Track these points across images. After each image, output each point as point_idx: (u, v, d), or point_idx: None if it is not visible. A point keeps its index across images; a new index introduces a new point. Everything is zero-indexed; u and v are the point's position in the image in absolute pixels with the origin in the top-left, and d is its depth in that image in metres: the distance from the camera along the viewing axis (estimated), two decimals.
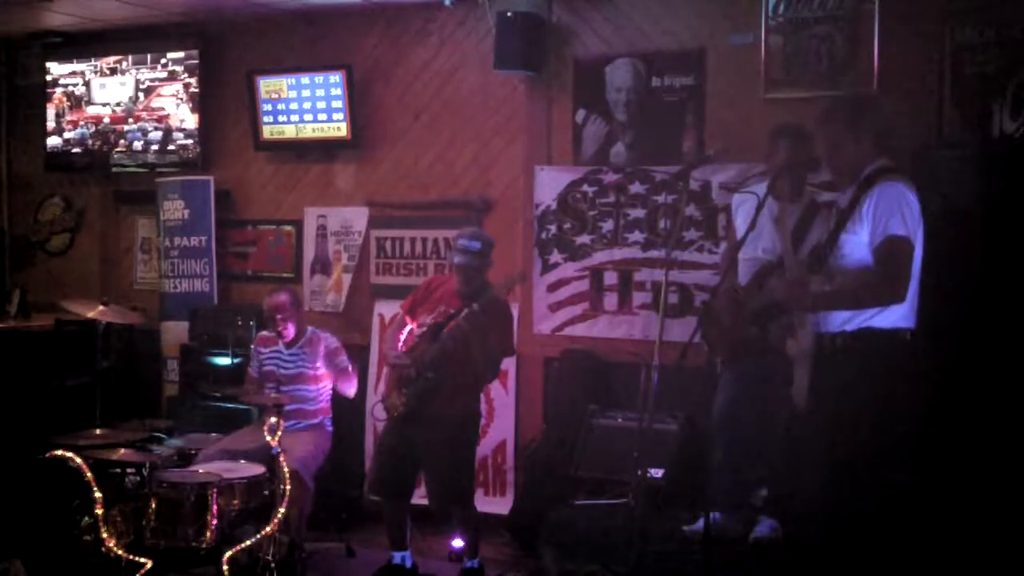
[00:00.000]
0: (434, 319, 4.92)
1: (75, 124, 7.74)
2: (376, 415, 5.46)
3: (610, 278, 5.96)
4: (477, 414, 5.07)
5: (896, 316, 3.50)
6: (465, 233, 5.03)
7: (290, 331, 5.50)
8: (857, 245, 3.52)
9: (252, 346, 5.77)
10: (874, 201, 3.48)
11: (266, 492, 4.78)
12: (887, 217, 3.46)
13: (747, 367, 4.53)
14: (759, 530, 4.59)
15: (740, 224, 4.71)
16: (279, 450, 4.65)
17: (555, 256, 6.10)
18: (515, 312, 5.78)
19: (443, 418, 4.84)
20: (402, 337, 5.09)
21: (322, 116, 6.69)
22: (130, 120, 7.49)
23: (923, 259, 3.59)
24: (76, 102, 7.72)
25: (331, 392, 5.62)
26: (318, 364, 5.52)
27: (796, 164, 4.39)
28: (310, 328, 5.65)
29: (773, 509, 4.64)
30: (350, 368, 5.64)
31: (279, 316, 5.49)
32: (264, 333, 5.71)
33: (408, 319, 5.12)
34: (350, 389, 5.61)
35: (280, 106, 6.82)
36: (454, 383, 4.83)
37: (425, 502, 5.17)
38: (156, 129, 7.38)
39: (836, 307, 3.55)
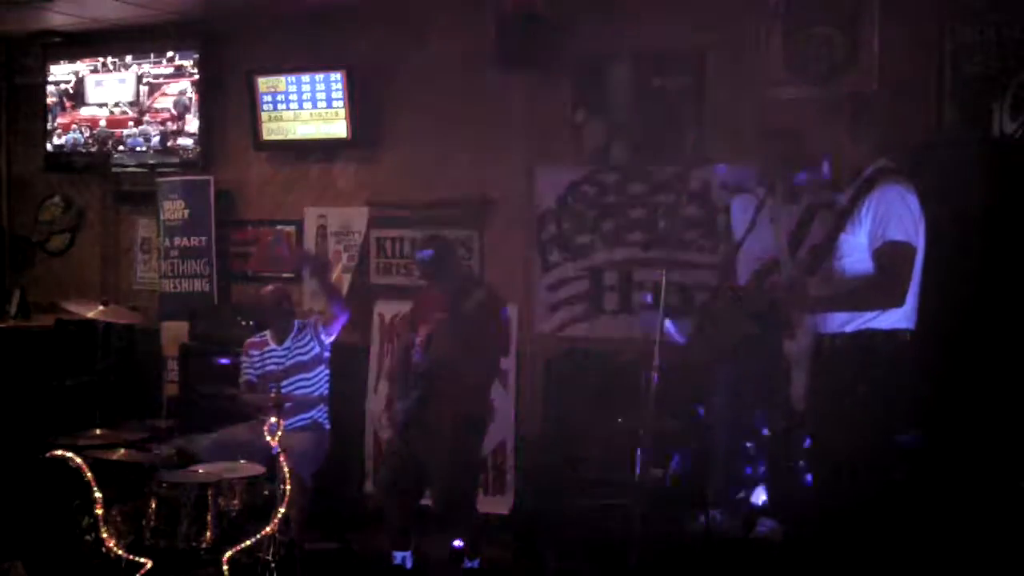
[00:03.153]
0: (430, 328, 4.93)
1: (74, 124, 7.73)
2: (383, 425, 5.46)
3: (610, 278, 5.95)
4: (480, 417, 5.06)
5: (895, 317, 3.49)
6: (417, 244, 5.06)
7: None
8: (856, 247, 3.51)
9: (242, 357, 5.72)
10: (873, 203, 3.47)
11: (266, 492, 4.78)
12: (886, 220, 3.45)
13: (745, 367, 4.54)
14: (759, 530, 4.59)
15: (740, 224, 4.72)
16: (279, 450, 4.65)
17: (555, 256, 6.09)
18: (514, 313, 5.79)
19: (445, 423, 4.84)
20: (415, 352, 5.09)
21: (322, 116, 6.70)
22: (131, 122, 7.49)
23: (923, 259, 3.58)
24: (76, 102, 7.72)
25: (328, 382, 5.62)
26: (312, 345, 5.56)
27: (789, 166, 4.40)
28: (297, 321, 5.68)
29: (773, 509, 4.64)
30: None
31: (283, 306, 5.60)
32: (251, 339, 5.73)
33: (412, 336, 5.13)
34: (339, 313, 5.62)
35: (280, 106, 6.82)
36: (454, 388, 4.83)
37: (426, 503, 5.17)
38: (158, 132, 7.38)
39: (835, 310, 3.55)
